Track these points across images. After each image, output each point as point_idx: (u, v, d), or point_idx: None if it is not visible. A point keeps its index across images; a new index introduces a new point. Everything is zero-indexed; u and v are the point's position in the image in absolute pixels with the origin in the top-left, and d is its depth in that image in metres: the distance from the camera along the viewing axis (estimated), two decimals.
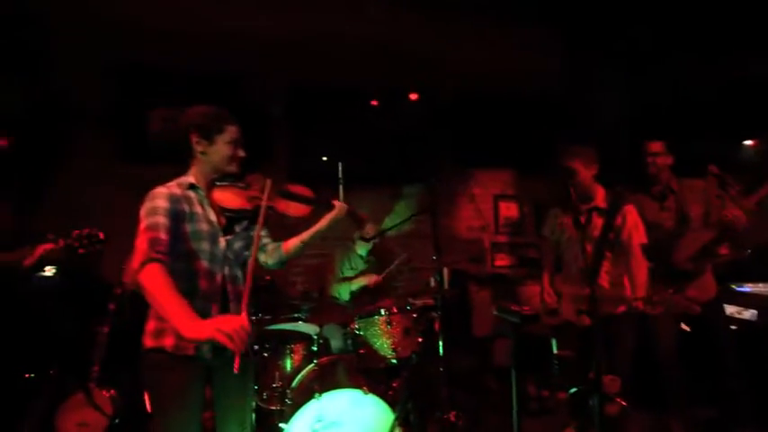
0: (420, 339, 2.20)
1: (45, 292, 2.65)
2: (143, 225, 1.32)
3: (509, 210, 3.96)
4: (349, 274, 3.01)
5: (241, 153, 1.50)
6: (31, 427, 2.39)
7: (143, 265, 1.24)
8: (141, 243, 1.29)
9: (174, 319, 1.21)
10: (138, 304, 2.91)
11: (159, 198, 1.37)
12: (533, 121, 3.88)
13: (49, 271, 2.61)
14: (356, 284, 2.90)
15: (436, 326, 2.46)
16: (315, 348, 2.34)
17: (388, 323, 2.18)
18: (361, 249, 3.03)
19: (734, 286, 2.86)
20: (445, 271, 3.24)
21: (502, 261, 3.89)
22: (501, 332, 3.34)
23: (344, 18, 3.56)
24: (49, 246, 1.74)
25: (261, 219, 1.40)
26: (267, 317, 2.47)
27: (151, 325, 1.39)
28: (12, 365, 2.45)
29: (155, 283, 1.23)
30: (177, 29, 3.24)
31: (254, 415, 1.81)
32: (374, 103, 3.72)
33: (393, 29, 3.64)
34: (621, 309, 2.07)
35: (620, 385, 1.56)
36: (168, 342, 1.35)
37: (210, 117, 1.46)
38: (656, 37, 3.49)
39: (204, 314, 1.38)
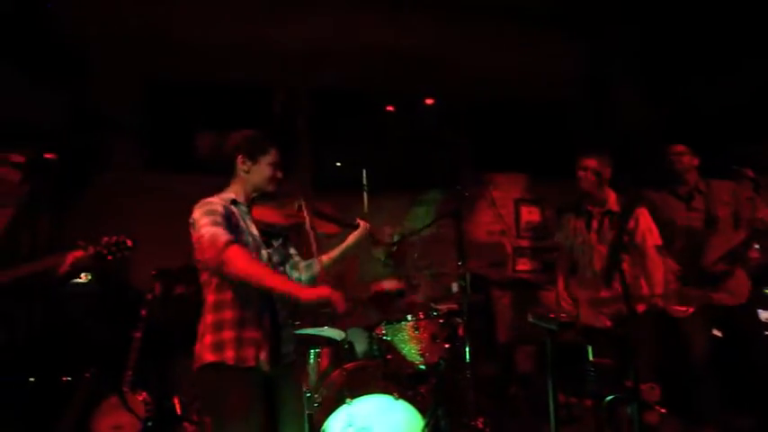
0: (447, 345, 2.21)
1: (80, 297, 2.74)
2: (206, 221, 1.38)
3: (531, 214, 3.93)
4: (369, 279, 3.04)
5: (279, 174, 1.57)
6: (66, 430, 2.46)
7: (227, 245, 1.31)
8: (215, 230, 1.34)
9: (284, 286, 1.34)
10: (166, 310, 3.00)
11: (216, 204, 1.44)
12: (553, 125, 3.86)
13: (85, 277, 2.70)
14: (375, 290, 2.92)
15: (460, 331, 2.47)
16: (341, 353, 2.37)
17: (416, 328, 2.19)
18: (380, 253, 3.07)
19: None
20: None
21: (524, 266, 3.85)
22: (523, 338, 3.31)
23: (363, 26, 3.61)
24: (78, 253, 1.79)
25: (311, 238, 1.50)
26: (297, 322, 2.50)
27: (208, 338, 1.40)
28: (49, 369, 2.53)
29: (246, 258, 1.33)
30: (202, 43, 3.32)
31: None
32: (390, 108, 3.75)
33: (411, 35, 3.67)
34: (641, 308, 2.07)
35: (659, 393, 1.54)
36: (229, 355, 1.37)
37: (256, 140, 1.55)
38: (676, 39, 3.45)
39: (259, 322, 1.44)
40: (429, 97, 3.82)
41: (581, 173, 2.30)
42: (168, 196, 3.48)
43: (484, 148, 3.88)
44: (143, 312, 2.66)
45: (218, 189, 1.57)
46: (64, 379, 2.50)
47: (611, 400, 1.71)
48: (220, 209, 1.42)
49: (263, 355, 1.41)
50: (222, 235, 1.34)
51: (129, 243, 1.83)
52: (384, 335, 2.25)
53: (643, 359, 2.01)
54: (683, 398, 2.11)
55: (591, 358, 1.75)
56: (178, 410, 2.76)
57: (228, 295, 1.42)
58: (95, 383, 2.54)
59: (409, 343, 2.19)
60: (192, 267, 3.19)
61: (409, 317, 2.23)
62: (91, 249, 1.76)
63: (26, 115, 2.73)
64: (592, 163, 2.27)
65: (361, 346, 2.60)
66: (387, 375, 2.12)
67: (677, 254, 2.34)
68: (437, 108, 3.82)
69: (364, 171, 2.61)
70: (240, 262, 1.32)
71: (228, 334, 1.39)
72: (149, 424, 2.48)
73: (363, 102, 3.71)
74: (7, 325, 1.76)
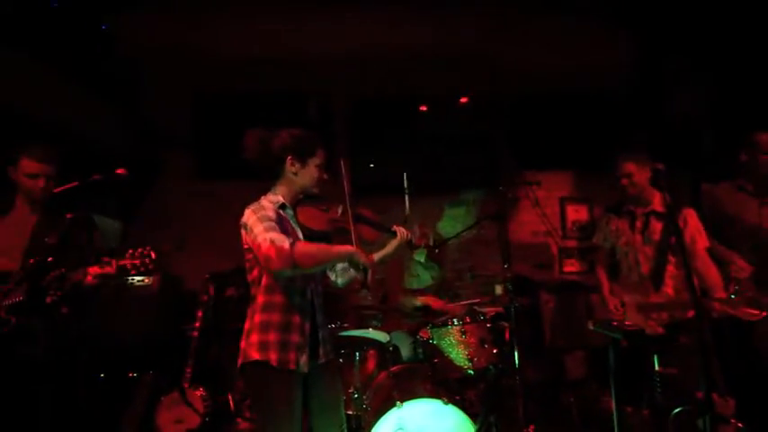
0: (495, 350, 2.16)
1: (143, 299, 2.93)
2: (261, 228, 1.42)
3: (578, 213, 3.77)
4: (411, 281, 3.03)
5: (325, 176, 1.59)
6: (131, 422, 2.65)
7: (293, 245, 1.38)
8: (275, 235, 1.39)
9: (348, 253, 1.46)
10: (219, 311, 3.14)
11: (269, 210, 1.48)
12: (602, 118, 3.67)
13: (148, 280, 2.90)
14: (419, 303, 2.91)
15: (507, 335, 2.41)
16: (386, 356, 2.38)
17: (463, 333, 2.16)
18: (419, 255, 3.05)
19: None
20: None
21: (571, 267, 3.70)
22: (574, 344, 3.18)
23: (399, 28, 3.60)
24: (95, 269, 1.73)
25: (354, 242, 1.52)
26: (345, 324, 2.55)
27: (254, 337, 1.46)
28: (116, 365, 2.73)
29: (313, 248, 1.44)
30: (245, 56, 3.45)
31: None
32: (423, 108, 3.72)
33: (448, 33, 3.62)
34: (692, 313, 1.93)
35: (734, 406, 1.42)
36: (273, 356, 1.43)
37: (305, 141, 1.56)
38: (736, 29, 3.16)
39: (302, 326, 1.49)
40: (468, 95, 3.75)
41: (623, 180, 2.19)
42: (217, 202, 3.68)
43: (527, 145, 3.76)
44: (199, 313, 2.83)
45: (261, 194, 1.59)
46: (130, 375, 2.68)
47: (679, 411, 1.60)
48: (272, 214, 1.46)
49: (303, 359, 1.47)
50: (283, 242, 1.39)
51: (154, 255, 1.75)
52: (430, 338, 2.23)
53: (709, 368, 1.87)
54: (759, 411, 1.94)
55: (657, 367, 1.64)
56: (231, 407, 2.89)
57: (277, 298, 1.47)
58: (157, 379, 2.72)
59: (457, 347, 2.16)
60: (242, 270, 3.35)
61: (456, 320, 2.21)
62: (114, 264, 1.73)
63: (91, 130, 2.96)
64: (630, 167, 2.17)
65: (405, 350, 2.60)
66: (434, 379, 2.11)
67: (746, 254, 2.16)
68: (476, 106, 3.75)
69: (405, 174, 2.61)
70: (308, 257, 1.41)
71: (274, 336, 1.45)
72: (207, 419, 2.62)
73: (401, 103, 3.71)
74: (40, 338, 1.72)
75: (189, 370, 2.67)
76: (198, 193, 3.59)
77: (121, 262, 1.71)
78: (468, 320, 2.20)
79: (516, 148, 3.76)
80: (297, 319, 1.47)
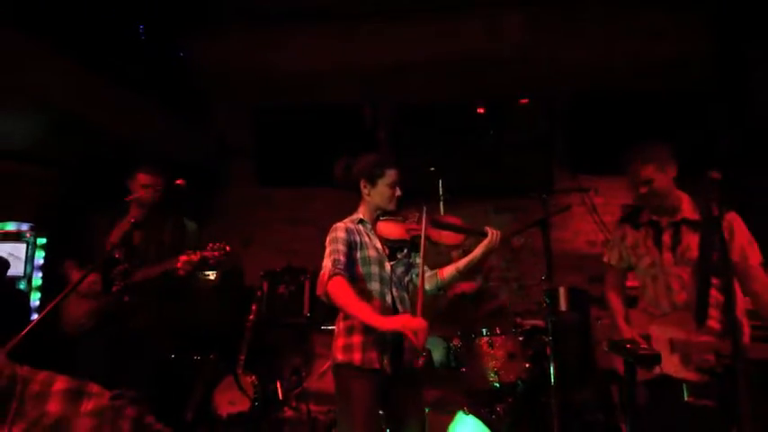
0: (527, 365, 2.07)
1: (207, 290, 3.33)
2: (328, 251, 1.57)
3: None
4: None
5: (398, 193, 1.67)
6: (197, 398, 3.02)
7: (330, 278, 1.49)
8: (327, 264, 1.54)
9: (366, 317, 1.44)
10: (271, 306, 3.41)
11: (339, 230, 1.62)
12: (672, 118, 3.27)
13: (213, 275, 3.29)
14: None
15: (548, 351, 2.29)
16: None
17: (490, 344, 2.11)
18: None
19: None
20: (561, 291, 2.96)
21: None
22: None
23: (446, 32, 3.61)
24: (185, 257, 2.07)
25: (422, 249, 1.54)
26: None
27: (340, 341, 1.60)
28: (183, 350, 3.13)
29: (342, 290, 1.48)
30: (299, 71, 3.71)
31: None
32: (480, 110, 3.65)
33: (498, 34, 3.53)
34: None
35: None
36: (356, 357, 1.55)
37: (373, 164, 1.67)
38: None
39: (380, 332, 1.55)
40: (520, 98, 3.61)
41: (641, 189, 1.75)
42: (274, 206, 4.03)
43: (584, 148, 3.49)
44: (253, 306, 3.13)
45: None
46: (195, 357, 3.06)
47: None
48: (343, 234, 1.60)
49: (386, 360, 1.55)
50: (329, 270, 1.50)
51: (228, 248, 2.08)
52: (459, 347, 2.22)
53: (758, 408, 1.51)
54: None
55: (686, 398, 1.43)
56: (280, 395, 3.14)
57: None
58: (217, 364, 3.07)
59: (482, 359, 2.12)
60: (292, 269, 3.60)
61: (484, 331, 2.16)
62: (198, 254, 2.07)
63: (167, 145, 3.43)
64: (649, 172, 1.71)
65: (438, 356, 2.59)
66: (461, 389, 2.09)
67: None
68: (527, 108, 3.59)
69: (440, 181, 2.63)
70: (336, 297, 1.48)
71: (357, 338, 1.56)
72: (256, 404, 2.89)
73: (448, 108, 3.69)
74: (143, 314, 2.14)
75: (242, 357, 2.96)
76: (257, 198, 3.96)
77: (204, 253, 2.05)
78: (497, 332, 2.14)
79: (572, 151, 3.52)
80: None
